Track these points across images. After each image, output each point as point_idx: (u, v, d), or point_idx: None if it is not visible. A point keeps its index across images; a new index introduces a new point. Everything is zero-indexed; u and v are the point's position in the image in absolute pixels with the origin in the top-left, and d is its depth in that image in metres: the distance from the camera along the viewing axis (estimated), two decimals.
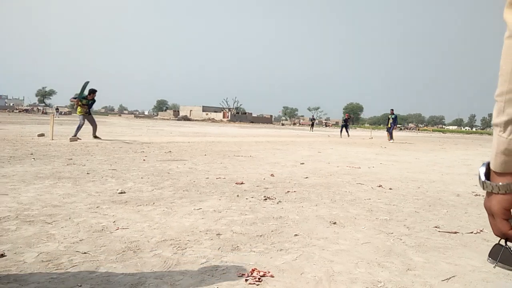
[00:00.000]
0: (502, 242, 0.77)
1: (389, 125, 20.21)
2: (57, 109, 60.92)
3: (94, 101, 11.74)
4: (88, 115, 11.43)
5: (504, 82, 0.70)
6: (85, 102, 11.44)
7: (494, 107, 0.73)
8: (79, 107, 11.43)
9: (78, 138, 10.54)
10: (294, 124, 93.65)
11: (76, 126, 11.21)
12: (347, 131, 24.06)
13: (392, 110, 20.69)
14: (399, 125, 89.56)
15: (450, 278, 2.20)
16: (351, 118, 26.22)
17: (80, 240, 2.48)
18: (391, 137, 19.95)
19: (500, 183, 0.73)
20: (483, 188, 0.77)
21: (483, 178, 0.77)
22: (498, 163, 0.74)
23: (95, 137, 11.31)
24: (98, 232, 2.66)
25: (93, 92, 11.59)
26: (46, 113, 63.65)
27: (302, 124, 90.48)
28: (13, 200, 3.42)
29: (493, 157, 0.75)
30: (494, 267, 0.78)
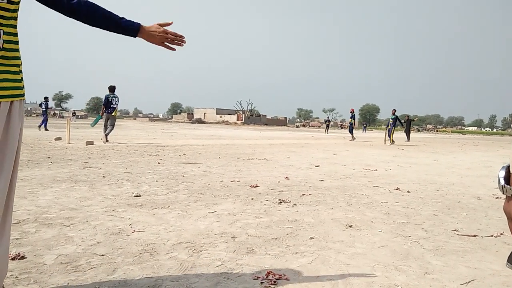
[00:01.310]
0: None
1: (389, 126, 19.01)
2: (74, 113, 62.09)
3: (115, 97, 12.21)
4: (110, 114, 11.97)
5: None
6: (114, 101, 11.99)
7: None
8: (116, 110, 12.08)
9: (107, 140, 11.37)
10: (304, 126, 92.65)
11: (110, 129, 11.85)
12: (351, 132, 21.52)
13: (394, 110, 19.55)
14: (417, 126, 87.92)
15: (469, 282, 2.16)
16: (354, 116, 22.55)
17: (98, 243, 2.51)
18: (390, 140, 18.40)
19: None
20: (503, 193, 0.76)
21: (502, 182, 0.76)
22: None
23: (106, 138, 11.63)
24: (115, 235, 2.70)
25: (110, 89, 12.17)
26: (62, 117, 64.95)
27: (312, 126, 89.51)
28: (32, 203, 3.49)
29: None
30: None
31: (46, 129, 17.90)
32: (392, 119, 19.37)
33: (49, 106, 19.89)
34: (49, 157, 7.00)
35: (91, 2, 1.65)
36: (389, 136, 18.68)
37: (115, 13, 1.68)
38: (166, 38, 1.75)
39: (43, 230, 2.72)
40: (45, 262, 2.15)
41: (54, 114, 72.85)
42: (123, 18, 1.70)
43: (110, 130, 11.75)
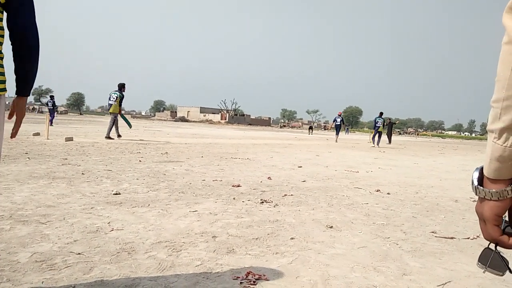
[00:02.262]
0: (492, 246, 0.77)
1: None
2: (56, 108, 60.78)
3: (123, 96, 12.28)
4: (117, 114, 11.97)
5: (501, 89, 0.69)
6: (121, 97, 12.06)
7: (490, 113, 0.72)
8: (115, 106, 11.98)
9: (111, 138, 11.33)
10: (285, 126, 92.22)
11: (108, 127, 11.79)
12: (337, 134, 21.84)
13: (381, 113, 19.38)
14: (398, 130, 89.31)
15: (445, 283, 2.19)
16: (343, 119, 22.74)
17: (75, 241, 2.46)
18: (373, 141, 18.54)
19: (493, 190, 0.73)
20: (476, 194, 0.77)
21: (476, 183, 0.77)
22: (491, 170, 0.73)
23: (111, 137, 11.60)
24: (92, 233, 2.64)
25: (123, 86, 12.27)
26: (42, 112, 63.44)
27: (293, 127, 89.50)
28: (7, 200, 3.39)
29: (486, 163, 0.74)
30: (484, 271, 0.77)
31: (51, 125, 18.55)
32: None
33: (56, 105, 21.36)
34: (26, 153, 6.83)
35: (33, 48, 1.58)
36: (378, 137, 18.71)
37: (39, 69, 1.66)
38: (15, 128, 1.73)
39: (18, 227, 2.64)
40: (19, 260, 2.09)
41: (33, 109, 71.13)
42: (28, 81, 1.65)
43: (109, 128, 11.66)
